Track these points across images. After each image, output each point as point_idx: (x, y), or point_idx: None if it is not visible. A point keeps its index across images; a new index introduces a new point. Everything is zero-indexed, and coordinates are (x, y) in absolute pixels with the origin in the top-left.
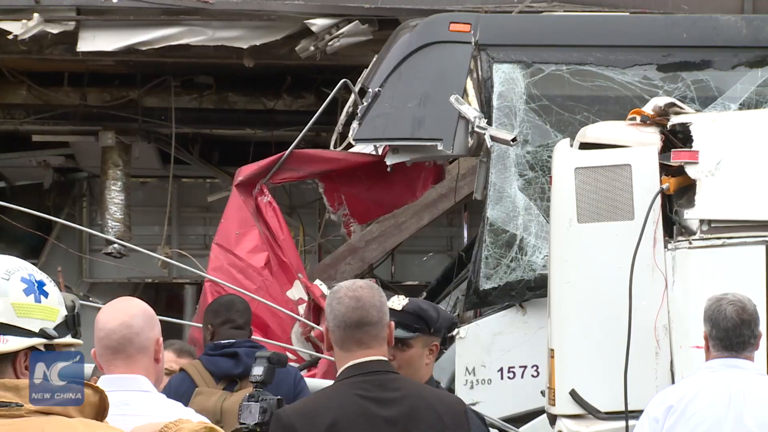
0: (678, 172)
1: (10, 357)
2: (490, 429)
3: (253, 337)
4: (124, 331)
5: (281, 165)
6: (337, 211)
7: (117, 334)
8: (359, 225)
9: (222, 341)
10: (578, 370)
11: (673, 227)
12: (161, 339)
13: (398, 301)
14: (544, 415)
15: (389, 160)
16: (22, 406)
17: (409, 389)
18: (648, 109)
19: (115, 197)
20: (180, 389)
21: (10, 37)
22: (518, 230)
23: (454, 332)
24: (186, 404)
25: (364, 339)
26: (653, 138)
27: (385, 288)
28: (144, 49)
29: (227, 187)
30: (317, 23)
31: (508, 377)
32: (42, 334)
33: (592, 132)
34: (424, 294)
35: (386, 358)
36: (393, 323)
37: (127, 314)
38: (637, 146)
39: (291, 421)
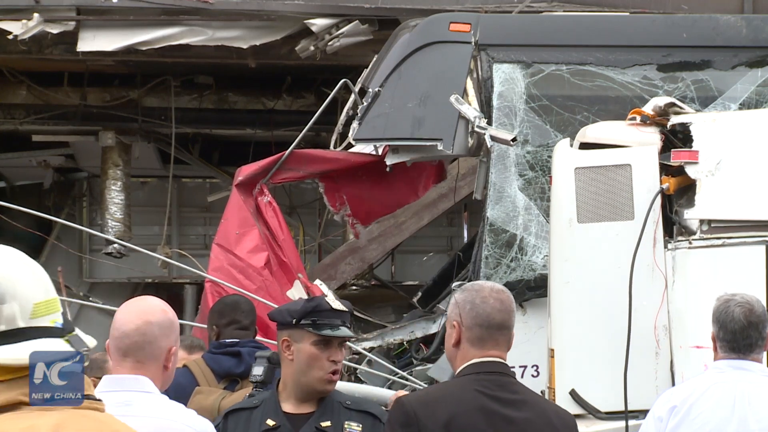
0: (678, 172)
1: None
2: None
3: (256, 337)
4: (137, 337)
5: (281, 165)
6: (339, 211)
7: (130, 339)
8: (364, 225)
9: (226, 340)
10: (578, 370)
11: (673, 227)
12: (176, 347)
13: (336, 303)
14: None
15: (389, 160)
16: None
17: (527, 395)
18: (648, 109)
19: (115, 197)
20: (181, 384)
21: (10, 37)
22: (518, 230)
23: None
24: (186, 400)
25: (501, 340)
26: (653, 138)
27: (385, 288)
28: (144, 49)
29: (227, 187)
30: (317, 23)
31: None
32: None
33: (592, 132)
34: (419, 294)
35: (506, 362)
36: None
37: (144, 319)
38: (637, 146)
39: (413, 408)
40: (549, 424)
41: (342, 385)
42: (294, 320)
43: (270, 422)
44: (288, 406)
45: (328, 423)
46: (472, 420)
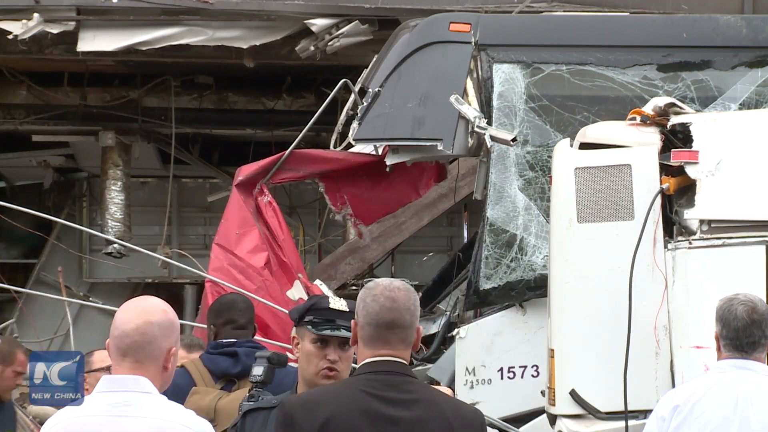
0: (678, 172)
1: None
2: (490, 429)
3: (255, 337)
4: (137, 337)
5: (281, 165)
6: (341, 211)
7: (129, 338)
8: (365, 225)
9: (223, 340)
10: (578, 370)
11: (673, 227)
12: (176, 347)
13: (338, 303)
14: (544, 415)
15: (389, 160)
16: None
17: (423, 394)
18: (648, 109)
19: (115, 197)
20: (178, 384)
21: (10, 37)
22: (518, 230)
23: (454, 332)
24: (183, 400)
25: (392, 340)
26: (653, 138)
27: None
28: (144, 49)
29: (227, 187)
30: (317, 23)
31: (508, 377)
32: None
33: (592, 132)
34: (419, 294)
35: (406, 361)
36: (420, 328)
37: (144, 319)
38: (637, 146)
39: (292, 410)
40: (444, 422)
41: None
42: (297, 318)
43: None
44: None
45: None
46: (350, 421)
